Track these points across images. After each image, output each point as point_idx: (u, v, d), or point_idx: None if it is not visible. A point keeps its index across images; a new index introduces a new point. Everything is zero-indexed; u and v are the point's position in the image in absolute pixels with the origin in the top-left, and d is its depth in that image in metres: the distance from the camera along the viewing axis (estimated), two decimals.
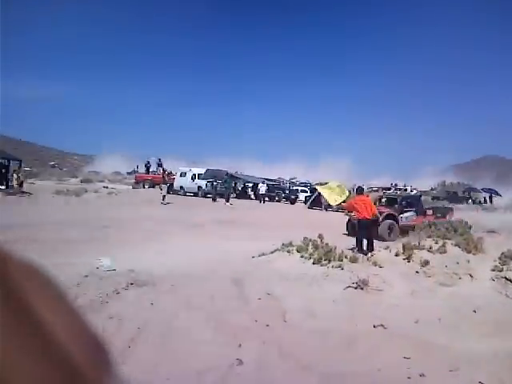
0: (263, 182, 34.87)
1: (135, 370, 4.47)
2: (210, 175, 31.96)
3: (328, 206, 25.79)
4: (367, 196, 13.07)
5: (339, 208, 24.02)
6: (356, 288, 7.26)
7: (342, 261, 8.73)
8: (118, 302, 6.37)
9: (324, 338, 5.43)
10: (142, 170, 42.01)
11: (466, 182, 65.19)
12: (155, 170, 40.35)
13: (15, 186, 24.08)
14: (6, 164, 27.80)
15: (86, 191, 26.86)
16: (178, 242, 12.47)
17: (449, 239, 9.98)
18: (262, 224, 18.36)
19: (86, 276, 7.47)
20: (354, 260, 8.82)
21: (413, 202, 17.71)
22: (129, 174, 51.73)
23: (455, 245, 9.52)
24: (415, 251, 9.15)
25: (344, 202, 15.98)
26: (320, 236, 10.09)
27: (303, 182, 56.22)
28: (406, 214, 16.63)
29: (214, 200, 28.68)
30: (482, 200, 43.87)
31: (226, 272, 8.19)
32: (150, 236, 13.04)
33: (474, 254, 9.04)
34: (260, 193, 33.20)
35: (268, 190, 34.19)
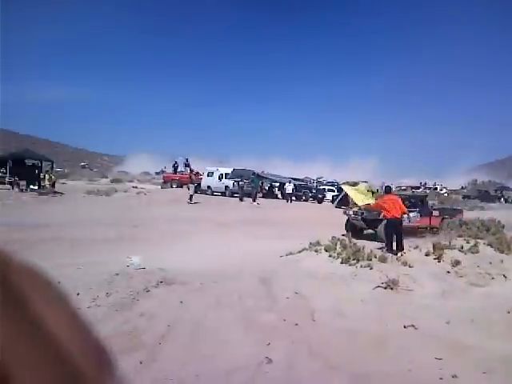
0: (290, 182, 34.74)
1: (165, 366, 4.53)
2: (237, 175, 32.05)
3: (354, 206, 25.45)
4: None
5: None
6: (385, 288, 7.17)
7: (370, 260, 8.64)
8: (148, 300, 6.47)
9: (353, 337, 5.39)
10: (170, 170, 42.45)
11: (498, 181, 63.66)
12: (183, 169, 40.72)
13: (47, 186, 24.68)
14: (39, 165, 28.57)
15: (116, 191, 27.33)
16: (206, 241, 12.58)
17: (481, 239, 9.77)
18: (289, 223, 18.33)
19: (117, 274, 7.60)
20: (383, 260, 8.72)
21: (417, 202, 16.69)
22: (157, 174, 52.41)
23: (487, 244, 9.32)
24: (446, 251, 8.99)
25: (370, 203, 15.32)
26: (347, 235, 10.01)
27: (330, 181, 55.82)
28: (410, 214, 15.49)
29: (241, 199, 28.76)
30: None
31: (254, 271, 8.21)
32: (179, 235, 13.19)
33: (507, 254, 8.82)
34: (287, 192, 33.10)
35: (295, 189, 34.05)
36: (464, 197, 42.15)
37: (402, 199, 16.20)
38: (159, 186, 36.80)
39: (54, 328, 0.34)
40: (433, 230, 14.80)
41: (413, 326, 5.72)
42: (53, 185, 25.06)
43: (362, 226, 15.41)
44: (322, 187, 42.44)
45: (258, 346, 5.05)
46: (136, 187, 33.03)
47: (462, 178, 70.09)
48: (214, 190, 33.16)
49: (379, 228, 14.04)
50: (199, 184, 31.78)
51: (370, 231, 15.20)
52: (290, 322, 5.81)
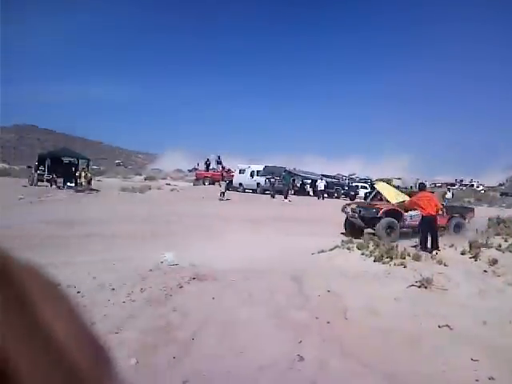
0: (322, 179, 34.54)
1: (198, 362, 4.60)
2: (269, 172, 32.09)
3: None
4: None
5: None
6: (419, 287, 7.05)
7: (404, 259, 8.51)
8: (181, 296, 6.56)
9: (386, 336, 5.32)
10: (202, 167, 42.84)
11: None
12: (215, 167, 41.05)
13: (84, 183, 25.31)
14: (76, 163, 29.31)
15: (150, 188, 27.77)
16: (237, 237, 12.64)
17: None
18: (321, 220, 18.21)
19: (151, 270, 7.74)
20: (417, 258, 8.57)
21: None
22: (189, 171, 52.99)
23: None
24: (482, 249, 8.76)
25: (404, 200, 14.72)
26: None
27: (363, 178, 55.15)
28: (412, 212, 14.35)
29: (273, 196, 28.78)
30: None
31: (286, 268, 8.21)
32: (210, 231, 13.31)
33: None
34: (319, 189, 32.91)
35: (327, 186, 33.82)
36: (502, 194, 40.92)
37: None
38: (192, 183, 37.23)
39: (54, 325, 0.34)
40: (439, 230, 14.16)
41: (447, 325, 5.61)
42: (89, 182, 25.67)
43: (360, 224, 14.67)
44: (354, 184, 42.01)
45: (290, 344, 5.05)
46: (169, 184, 33.51)
47: (499, 174, 68.04)
48: (245, 187, 33.31)
49: (377, 227, 13.51)
50: (231, 181, 31.99)
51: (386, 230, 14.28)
52: (322, 319, 5.79)
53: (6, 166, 46.41)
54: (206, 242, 11.47)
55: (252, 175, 33.08)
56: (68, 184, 26.17)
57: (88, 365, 0.36)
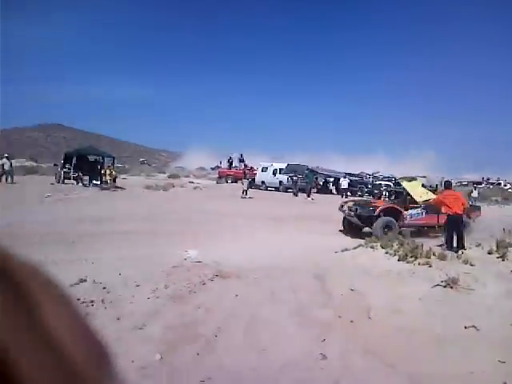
0: (345, 177, 34.29)
1: (221, 359, 4.63)
2: (291, 170, 32.01)
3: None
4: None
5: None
6: (445, 286, 6.94)
7: (429, 258, 8.38)
8: (204, 293, 6.62)
9: (410, 336, 5.27)
10: (225, 165, 42.99)
11: None
12: (237, 165, 41.16)
13: (109, 181, 25.66)
14: (101, 161, 29.73)
15: (173, 186, 27.98)
16: (260, 235, 12.66)
17: None
18: None
19: (175, 267, 7.82)
20: (442, 257, 8.43)
21: None
22: (212, 169, 53.18)
23: None
24: (510, 249, 8.57)
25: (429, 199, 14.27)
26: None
27: (387, 176, 54.52)
28: (412, 211, 13.86)
29: (296, 195, 28.71)
30: None
31: (309, 266, 8.19)
32: (233, 229, 13.36)
33: None
34: (342, 187, 32.69)
35: (350, 184, 33.56)
36: None
37: (406, 192, 14.48)
38: (214, 181, 37.38)
39: (55, 324, 0.35)
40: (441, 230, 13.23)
41: (474, 326, 5.51)
42: (114, 180, 26.00)
43: (357, 222, 14.16)
44: (378, 182, 41.55)
45: (313, 342, 5.05)
46: (192, 182, 33.71)
47: None
48: (268, 185, 33.30)
49: (374, 226, 13.04)
50: (253, 179, 32.00)
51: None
52: (345, 318, 5.77)
53: (34, 163, 47.43)
54: (229, 240, 11.52)
55: (274, 173, 33.05)
56: (93, 182, 26.55)
57: (89, 364, 0.36)
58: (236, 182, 34.23)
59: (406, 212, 13.64)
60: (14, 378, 0.30)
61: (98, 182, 26.43)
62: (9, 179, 25.08)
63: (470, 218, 14.29)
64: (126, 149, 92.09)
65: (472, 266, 8.02)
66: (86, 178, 26.95)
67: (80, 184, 26.29)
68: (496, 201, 33.12)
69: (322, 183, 36.78)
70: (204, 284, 6.98)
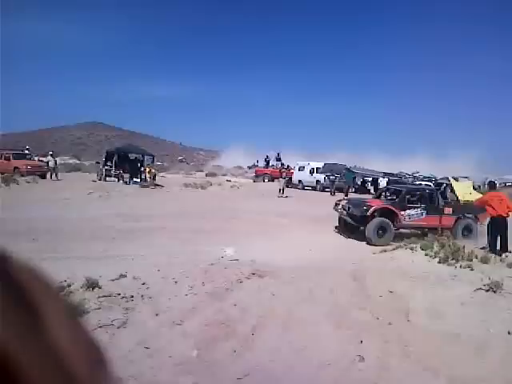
0: (384, 176, 33.73)
1: (258, 357, 4.66)
2: (329, 169, 31.72)
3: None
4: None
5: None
6: (487, 291, 6.73)
7: (471, 261, 8.17)
8: (240, 291, 6.65)
9: (451, 341, 5.14)
10: (262, 164, 43.04)
11: None
12: (274, 164, 41.13)
13: (149, 179, 26.17)
14: (141, 159, 30.33)
15: (211, 184, 28.24)
16: (297, 234, 12.61)
17: None
18: None
19: (212, 264, 7.90)
20: (485, 260, 8.20)
21: (425, 196, 13.52)
22: (249, 168, 53.34)
23: None
24: None
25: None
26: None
27: (427, 176, 53.25)
28: (410, 211, 12.86)
29: (333, 194, 28.46)
30: None
31: (347, 267, 8.12)
32: (269, 228, 13.36)
33: None
34: (380, 187, 32.19)
35: (388, 184, 32.99)
36: None
37: (404, 191, 13.59)
38: (251, 180, 37.51)
39: (54, 326, 0.35)
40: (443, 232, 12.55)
41: None
42: (153, 178, 26.48)
43: (351, 222, 13.18)
44: (417, 182, 40.67)
45: (350, 343, 5.01)
46: (229, 181, 33.94)
47: None
48: (305, 184, 33.11)
49: (368, 227, 12.10)
50: (290, 178, 31.91)
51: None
52: (384, 320, 5.69)
53: (77, 161, 48.99)
54: (266, 239, 11.54)
55: (311, 172, 32.84)
56: (134, 179, 27.13)
57: (86, 366, 0.37)
58: (273, 180, 34.23)
59: (403, 212, 12.77)
60: (14, 378, 0.31)
61: (138, 180, 26.99)
62: (53, 176, 26.05)
63: (478, 220, 13.57)
64: (165, 147, 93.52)
65: None
66: (127, 175, 27.53)
67: (121, 181, 26.90)
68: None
69: (359, 183, 36.31)
70: (241, 282, 7.01)
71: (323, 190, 30.99)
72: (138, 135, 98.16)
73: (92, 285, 6.11)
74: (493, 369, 4.55)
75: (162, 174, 34.51)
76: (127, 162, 29.43)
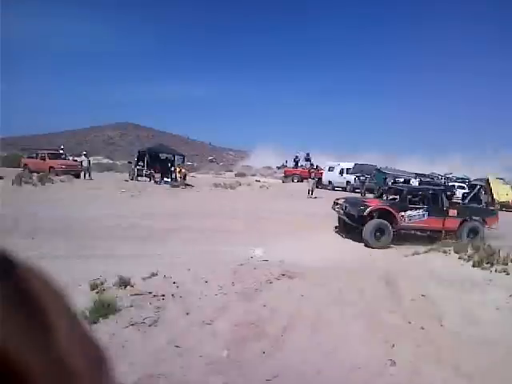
0: (415, 178, 33.12)
1: (287, 358, 4.64)
2: (359, 170, 31.37)
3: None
4: None
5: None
6: None
7: (506, 265, 7.93)
8: (270, 292, 6.63)
9: (488, 347, 5.00)
10: (291, 164, 42.91)
11: None
12: (303, 164, 40.94)
13: (179, 178, 26.48)
14: (172, 159, 30.73)
15: (240, 184, 28.35)
16: (326, 235, 12.55)
17: None
18: None
19: (241, 264, 7.91)
20: None
21: (427, 196, 12.90)
22: (278, 168, 53.28)
23: None
24: None
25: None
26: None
27: (460, 177, 52.00)
28: (411, 212, 12.26)
29: (363, 195, 28.14)
30: None
31: (378, 269, 8.02)
32: (298, 228, 13.31)
33: None
34: None
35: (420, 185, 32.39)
36: None
37: (406, 191, 13.20)
38: (280, 180, 37.46)
39: (56, 326, 0.35)
40: (447, 235, 12.06)
41: None
42: (184, 177, 26.77)
43: (349, 222, 12.75)
44: (450, 184, 39.76)
45: (381, 347, 4.93)
46: (259, 181, 34.00)
47: None
48: (335, 185, 32.86)
49: (365, 229, 11.61)
50: (320, 179, 31.71)
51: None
52: (416, 324, 5.58)
53: (110, 161, 49.99)
54: (294, 239, 11.50)
55: (341, 173, 32.57)
56: (165, 179, 27.50)
57: (87, 366, 0.37)
58: (302, 181, 34.10)
59: (403, 213, 12.24)
60: (14, 378, 0.31)
61: (169, 180, 27.33)
62: (87, 176, 26.65)
63: (485, 223, 13.11)
64: (195, 147, 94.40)
65: None
66: (158, 175, 27.92)
67: (152, 181, 27.29)
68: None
69: (390, 183, 35.76)
70: (270, 283, 7.00)
71: (353, 191, 30.65)
72: (168, 135, 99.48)
73: (124, 283, 6.22)
74: None
75: (192, 174, 34.84)
76: (158, 162, 29.87)
